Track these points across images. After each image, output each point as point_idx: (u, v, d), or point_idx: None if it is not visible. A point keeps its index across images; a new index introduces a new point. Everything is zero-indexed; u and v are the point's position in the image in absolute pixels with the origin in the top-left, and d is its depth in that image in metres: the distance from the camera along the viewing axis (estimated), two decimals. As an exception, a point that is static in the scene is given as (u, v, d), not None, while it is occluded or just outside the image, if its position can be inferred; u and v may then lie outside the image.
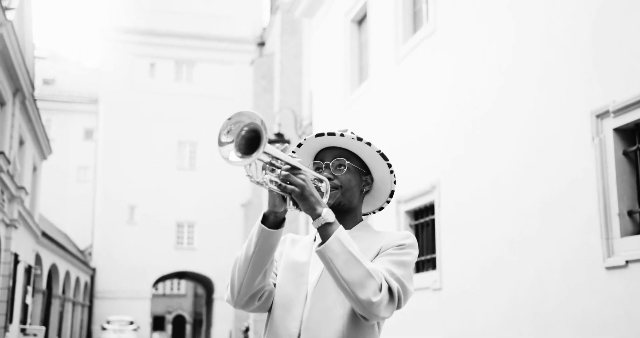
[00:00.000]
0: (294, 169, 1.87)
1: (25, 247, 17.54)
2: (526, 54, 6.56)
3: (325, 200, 2.03)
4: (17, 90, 15.40)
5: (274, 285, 2.12)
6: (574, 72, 5.81)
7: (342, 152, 2.12)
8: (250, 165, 1.77)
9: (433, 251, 8.29)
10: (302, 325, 1.99)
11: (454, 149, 7.83)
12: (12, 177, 14.11)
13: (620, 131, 5.30)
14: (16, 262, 15.80)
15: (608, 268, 5.23)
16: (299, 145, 2.17)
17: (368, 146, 2.09)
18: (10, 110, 15.06)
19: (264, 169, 1.86)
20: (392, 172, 2.15)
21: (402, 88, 9.31)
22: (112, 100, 34.07)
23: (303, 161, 2.18)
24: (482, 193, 7.14)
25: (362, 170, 2.15)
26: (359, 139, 2.08)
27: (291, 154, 1.94)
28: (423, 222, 8.67)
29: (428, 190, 8.26)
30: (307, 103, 20.42)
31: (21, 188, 14.97)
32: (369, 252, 2.02)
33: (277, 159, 1.85)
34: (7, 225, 14.30)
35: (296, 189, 1.85)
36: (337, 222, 1.89)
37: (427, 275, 8.28)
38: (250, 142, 1.74)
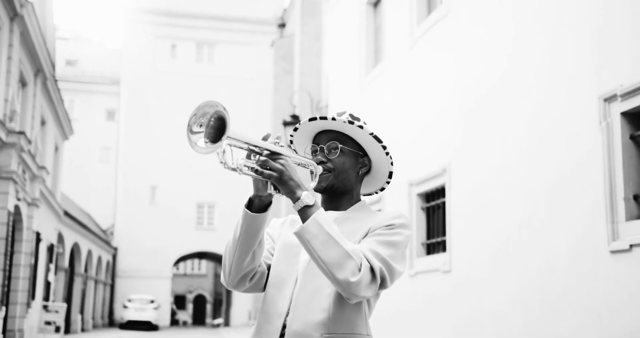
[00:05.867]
0: (273, 154, 1.91)
1: (48, 226, 17.86)
2: (535, 38, 6.52)
3: (314, 182, 2.08)
4: (38, 71, 15.61)
5: (269, 266, 2.17)
6: (582, 55, 5.77)
7: (337, 135, 2.15)
8: (224, 152, 1.80)
9: (444, 234, 8.33)
10: (291, 303, 2.03)
11: (464, 132, 7.82)
12: (33, 157, 14.33)
13: (627, 115, 5.27)
14: (38, 240, 16.10)
15: (613, 252, 5.23)
16: (295, 129, 2.21)
17: (360, 129, 2.11)
18: (31, 91, 15.27)
19: (248, 157, 1.91)
20: (387, 153, 2.17)
21: (416, 71, 9.29)
22: (133, 81, 34.36)
23: (299, 144, 2.25)
24: (491, 178, 7.15)
25: (358, 152, 2.17)
26: (351, 122, 2.09)
27: (275, 140, 1.97)
28: (434, 205, 8.70)
29: (439, 173, 8.28)
30: (326, 85, 20.40)
31: (42, 168, 15.20)
32: (358, 232, 2.05)
33: (257, 145, 1.89)
34: (29, 204, 14.55)
35: (274, 174, 1.89)
36: (317, 204, 1.93)
37: (437, 258, 8.33)
38: (218, 131, 1.77)
